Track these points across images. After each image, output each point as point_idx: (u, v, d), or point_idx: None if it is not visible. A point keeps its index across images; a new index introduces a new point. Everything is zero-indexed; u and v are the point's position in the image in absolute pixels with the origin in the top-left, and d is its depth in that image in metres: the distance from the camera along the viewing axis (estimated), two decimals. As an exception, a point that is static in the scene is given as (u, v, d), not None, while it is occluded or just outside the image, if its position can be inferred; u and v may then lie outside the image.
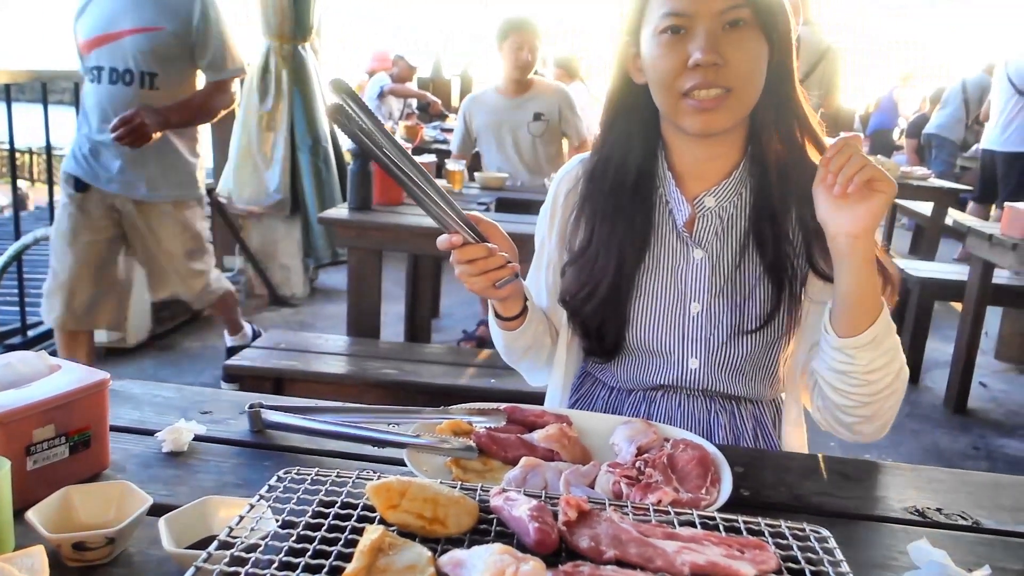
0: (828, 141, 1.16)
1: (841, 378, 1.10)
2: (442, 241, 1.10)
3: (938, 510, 1.03)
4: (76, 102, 4.01)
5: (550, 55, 5.57)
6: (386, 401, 2.40)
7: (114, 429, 1.08)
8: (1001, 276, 3.71)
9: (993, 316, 4.48)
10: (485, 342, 4.15)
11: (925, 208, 5.86)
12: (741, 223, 1.25)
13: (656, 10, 1.14)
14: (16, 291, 3.85)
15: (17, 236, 3.73)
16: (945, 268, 4.40)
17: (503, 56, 3.76)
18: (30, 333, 3.90)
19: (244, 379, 2.46)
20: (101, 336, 3.72)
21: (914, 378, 4.11)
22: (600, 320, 1.27)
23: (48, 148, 4.09)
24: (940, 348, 4.43)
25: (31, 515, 0.80)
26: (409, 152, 1.02)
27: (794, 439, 1.30)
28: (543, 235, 1.38)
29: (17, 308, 3.89)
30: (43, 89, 3.85)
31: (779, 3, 1.14)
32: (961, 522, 1.00)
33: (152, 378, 3.61)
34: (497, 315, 1.27)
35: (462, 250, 1.10)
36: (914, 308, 4.02)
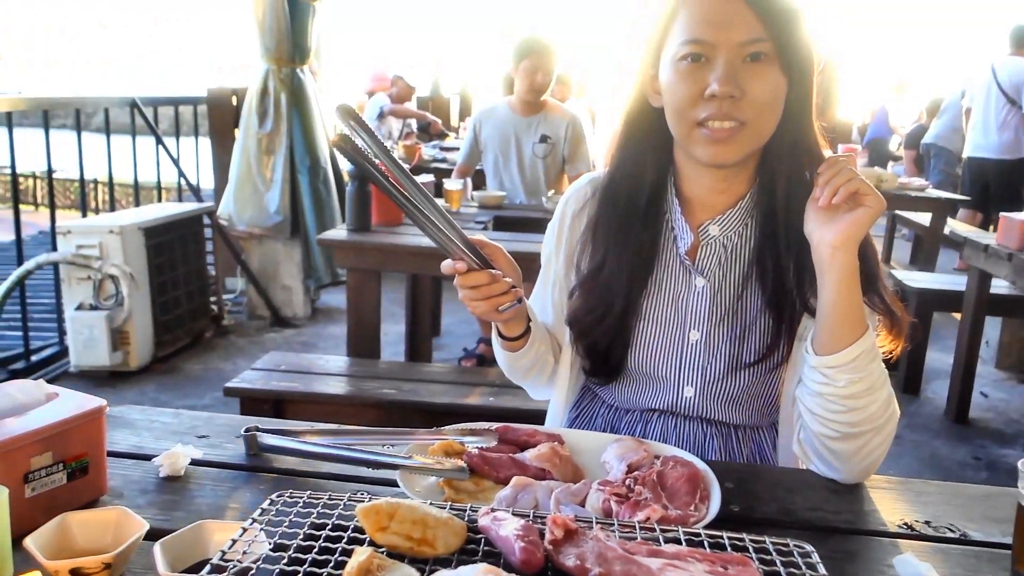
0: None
1: (819, 401, 1.10)
2: (446, 266, 1.12)
3: (927, 523, 1.04)
4: (78, 127, 4.06)
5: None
6: (385, 421, 2.41)
7: (112, 455, 1.10)
8: (1000, 286, 3.72)
9: (994, 326, 4.49)
10: (486, 360, 4.16)
11: (924, 219, 5.88)
12: (745, 254, 1.25)
13: (678, 36, 1.12)
14: (19, 316, 3.88)
15: (20, 262, 3.75)
16: (943, 279, 4.41)
17: (518, 77, 3.79)
18: (33, 358, 3.92)
19: (244, 401, 2.48)
20: (104, 359, 3.74)
21: (914, 389, 4.11)
22: (607, 343, 1.27)
23: (49, 174, 4.12)
24: (940, 358, 4.44)
25: (29, 542, 0.82)
26: (412, 177, 1.04)
27: (792, 463, 1.30)
28: (549, 252, 1.39)
29: (20, 333, 3.91)
30: (44, 116, 3.90)
31: (804, 39, 1.12)
32: (949, 535, 1.01)
33: (155, 401, 3.63)
34: (500, 335, 1.28)
35: (465, 276, 1.12)
36: (912, 318, 4.02)
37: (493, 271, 1.13)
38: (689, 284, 1.26)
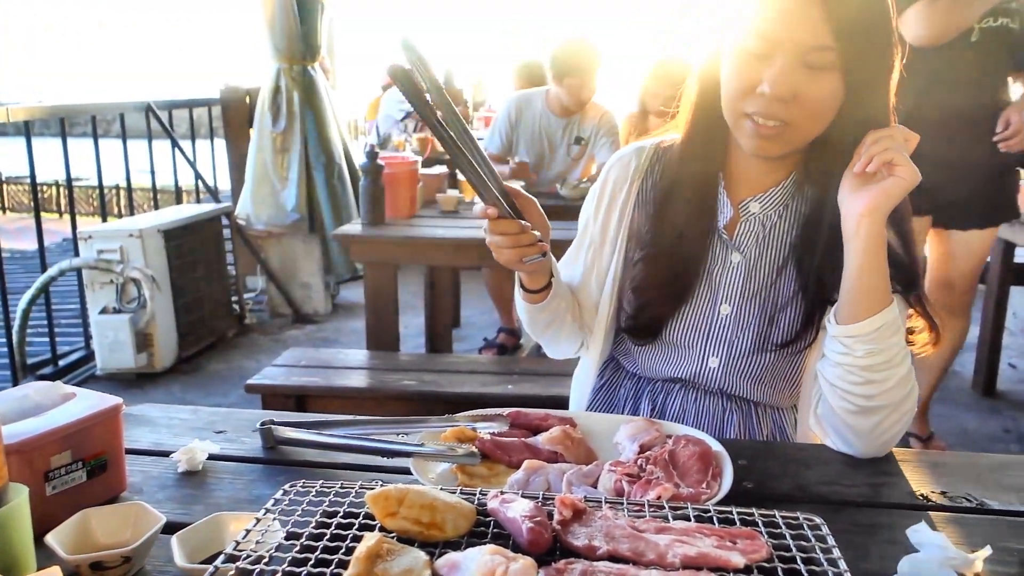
0: None
1: (838, 372, 1.10)
2: (478, 210, 1.14)
3: (943, 493, 1.03)
4: (94, 133, 4.11)
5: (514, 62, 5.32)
6: (407, 413, 2.43)
7: (132, 452, 1.12)
8: (1024, 254, 3.67)
9: (1020, 296, 4.42)
10: (506, 349, 4.17)
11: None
12: (783, 235, 1.25)
13: (745, 23, 1.10)
14: (45, 323, 3.94)
15: (43, 269, 3.81)
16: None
17: (561, 89, 3.68)
18: (60, 363, 3.98)
19: (266, 398, 2.51)
20: (130, 362, 3.80)
21: (941, 362, 4.06)
22: (662, 309, 1.28)
23: (69, 181, 4.18)
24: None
25: (50, 538, 0.83)
26: (462, 120, 1.04)
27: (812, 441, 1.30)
28: (588, 216, 1.39)
29: (47, 339, 3.98)
30: (62, 124, 3.94)
31: (877, 49, 1.08)
32: (966, 504, 1.00)
33: (181, 401, 3.67)
34: (522, 286, 1.29)
35: (496, 223, 1.13)
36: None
37: (523, 222, 1.14)
38: (725, 259, 1.26)
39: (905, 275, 1.14)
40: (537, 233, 1.15)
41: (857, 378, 1.08)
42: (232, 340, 4.55)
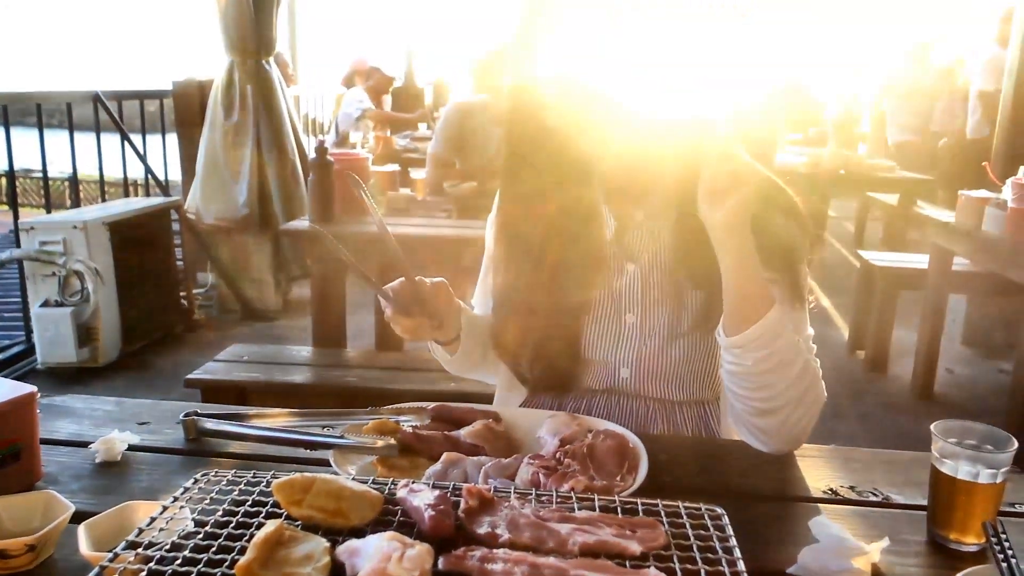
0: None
1: (735, 380, 1.12)
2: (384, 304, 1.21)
3: (851, 487, 1.06)
4: (39, 122, 4.02)
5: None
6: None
7: (50, 442, 1.11)
8: (962, 263, 3.77)
9: (960, 303, 4.55)
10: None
11: (893, 200, 5.94)
12: (671, 235, 1.26)
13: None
14: (-15, 315, 3.85)
15: (-17, 260, 3.72)
16: (908, 257, 4.46)
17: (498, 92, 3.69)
18: (0, 356, 3.89)
19: (205, 392, 2.48)
20: (71, 356, 3.72)
21: (881, 367, 4.17)
22: (557, 349, 1.29)
23: (11, 171, 4.08)
24: (907, 336, 4.49)
25: (-47, 526, 0.82)
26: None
27: (734, 436, 1.33)
28: (490, 241, 1.40)
29: (-14, 332, 3.88)
30: (4, 112, 3.85)
31: None
32: (872, 498, 1.04)
33: (123, 396, 3.60)
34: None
35: (392, 319, 1.21)
36: (879, 297, 4.08)
37: (420, 318, 1.20)
38: (621, 269, 1.28)
39: (786, 261, 1.17)
40: (429, 323, 1.21)
41: (752, 384, 1.10)
42: (179, 336, 4.48)
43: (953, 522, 0.92)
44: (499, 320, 1.32)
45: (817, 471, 1.12)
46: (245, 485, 0.83)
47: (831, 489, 1.06)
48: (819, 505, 1.01)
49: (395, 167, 3.76)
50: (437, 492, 0.78)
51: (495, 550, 0.71)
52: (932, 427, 0.93)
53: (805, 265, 1.21)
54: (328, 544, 0.71)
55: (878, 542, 0.87)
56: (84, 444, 1.11)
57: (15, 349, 4.02)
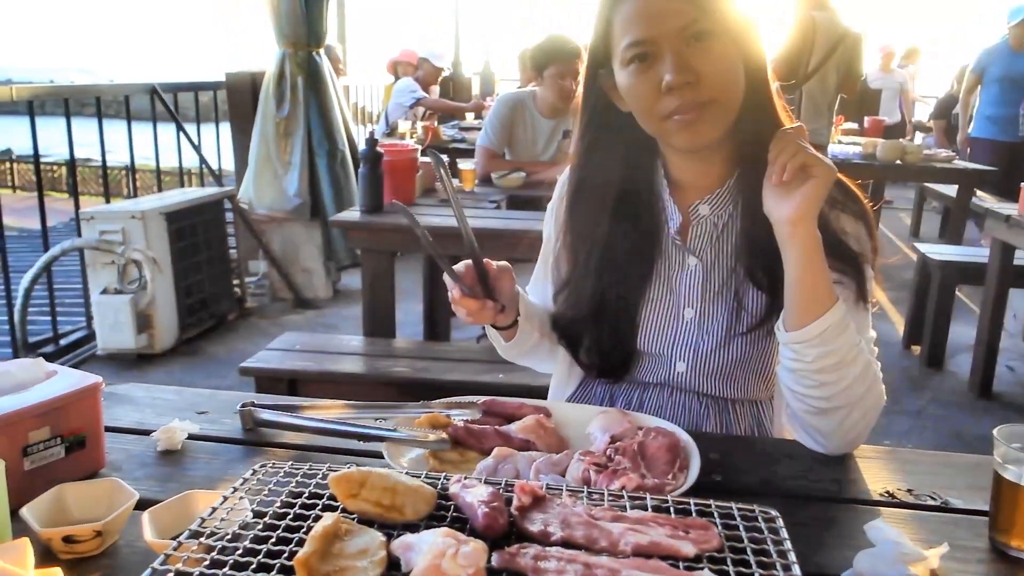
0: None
1: (792, 377, 1.10)
2: (449, 284, 1.20)
3: (909, 491, 1.04)
4: (99, 115, 4.13)
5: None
6: (397, 399, 2.45)
7: (113, 430, 1.14)
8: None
9: (1022, 298, 4.41)
10: (504, 339, 4.18)
11: (952, 191, 5.78)
12: (736, 230, 1.25)
13: (620, 41, 1.13)
14: (47, 302, 3.97)
15: (46, 248, 3.84)
16: (967, 251, 4.35)
17: (544, 84, 3.68)
18: (62, 342, 4.01)
19: (259, 381, 2.53)
20: (130, 342, 3.83)
21: (938, 363, 4.07)
22: (610, 338, 1.29)
23: (72, 161, 4.20)
24: (965, 332, 4.38)
25: (25, 511, 0.85)
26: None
27: (789, 437, 1.31)
28: (549, 231, 1.42)
29: (48, 318, 4.01)
30: (66, 105, 3.96)
31: (738, 8, 1.13)
32: (930, 502, 1.02)
33: (179, 382, 3.70)
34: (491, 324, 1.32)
35: (458, 301, 1.19)
36: (936, 292, 3.98)
37: (488, 303, 1.19)
38: (682, 264, 1.27)
39: (853, 263, 1.16)
40: (493, 307, 1.20)
41: (811, 381, 1.08)
42: (232, 323, 4.58)
43: (1017, 530, 0.89)
44: (560, 304, 1.33)
45: (874, 473, 1.10)
46: (302, 477, 0.85)
47: (888, 492, 1.04)
48: (875, 508, 1.00)
49: (445, 158, 3.76)
50: (490, 489, 0.78)
51: (548, 548, 0.71)
52: (995, 432, 0.91)
53: (871, 267, 1.19)
54: (384, 538, 0.72)
55: (937, 548, 0.85)
56: (146, 433, 1.15)
57: (77, 335, 4.15)
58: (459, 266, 1.20)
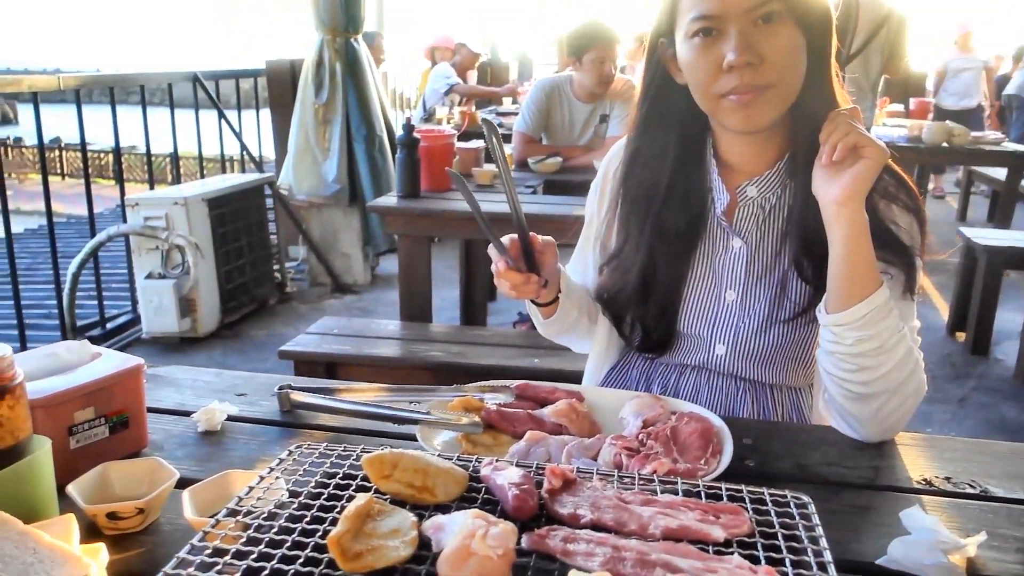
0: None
1: (832, 361, 1.09)
2: (494, 255, 1.22)
3: (947, 479, 1.03)
4: (143, 103, 4.20)
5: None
6: (432, 382, 2.47)
7: (155, 411, 1.17)
8: (1075, 242, 3.56)
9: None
10: (540, 324, 4.18)
11: (1001, 174, 5.63)
12: (783, 215, 1.24)
13: (686, 13, 1.11)
14: (94, 286, 4.07)
15: (92, 234, 3.93)
16: (1015, 235, 4.24)
17: (583, 69, 3.65)
18: (108, 326, 4.11)
19: (298, 364, 2.57)
20: (174, 326, 3.91)
21: (983, 350, 3.99)
22: (656, 314, 1.29)
23: (117, 148, 4.29)
24: (1012, 318, 4.28)
25: (71, 488, 0.88)
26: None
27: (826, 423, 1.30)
28: (592, 211, 1.42)
29: (95, 302, 4.11)
30: (111, 93, 4.04)
31: None
32: (969, 490, 1.00)
33: (221, 365, 3.78)
34: (532, 300, 1.32)
35: (502, 274, 1.20)
36: (982, 277, 3.90)
37: (533, 277, 1.19)
38: (727, 245, 1.26)
39: (903, 255, 1.14)
40: (538, 280, 1.20)
41: (851, 365, 1.07)
42: (273, 308, 4.65)
43: (1057, 519, 0.88)
44: (605, 276, 1.34)
45: (911, 460, 1.08)
46: (336, 458, 0.86)
47: (925, 479, 1.03)
48: (912, 496, 0.98)
49: (480, 143, 3.77)
50: (521, 471, 0.79)
51: (577, 531, 0.72)
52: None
53: (919, 257, 1.17)
54: (415, 519, 0.73)
55: (975, 536, 0.84)
56: (187, 414, 1.17)
57: (123, 319, 4.25)
58: (504, 239, 1.20)
